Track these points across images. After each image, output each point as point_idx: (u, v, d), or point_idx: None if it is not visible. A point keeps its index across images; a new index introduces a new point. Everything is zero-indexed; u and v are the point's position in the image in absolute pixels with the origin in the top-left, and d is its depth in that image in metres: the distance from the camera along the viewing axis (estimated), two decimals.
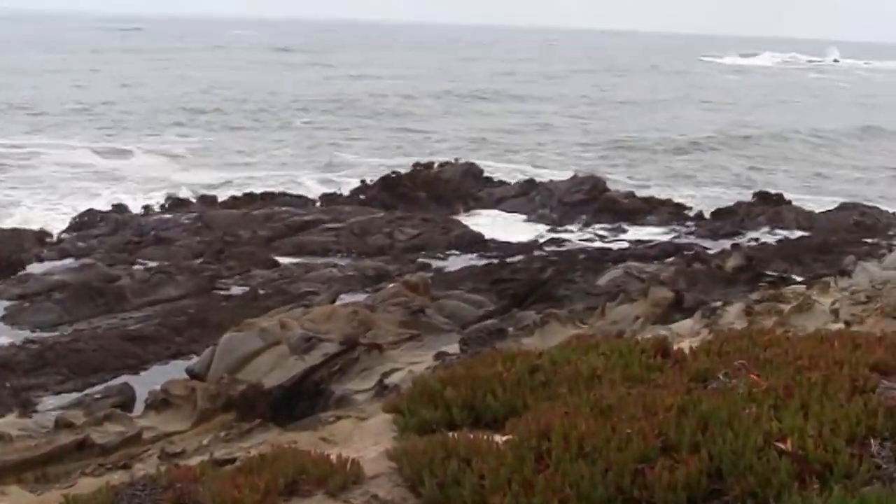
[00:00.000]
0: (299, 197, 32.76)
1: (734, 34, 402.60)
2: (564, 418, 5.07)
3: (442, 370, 8.60)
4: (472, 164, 36.74)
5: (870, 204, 32.89)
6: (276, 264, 24.43)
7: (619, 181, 36.93)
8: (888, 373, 5.72)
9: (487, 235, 28.52)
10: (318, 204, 31.77)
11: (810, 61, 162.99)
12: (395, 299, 19.24)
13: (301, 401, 14.49)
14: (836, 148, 51.80)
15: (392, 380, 14.09)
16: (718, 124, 58.61)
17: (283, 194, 32.81)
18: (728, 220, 30.93)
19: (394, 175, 34.12)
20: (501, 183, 35.95)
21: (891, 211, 32.01)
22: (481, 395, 6.05)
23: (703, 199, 35.52)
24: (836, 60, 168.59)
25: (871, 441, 4.65)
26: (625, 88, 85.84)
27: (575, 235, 29.63)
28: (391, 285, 20.67)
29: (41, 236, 26.81)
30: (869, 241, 27.72)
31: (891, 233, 28.96)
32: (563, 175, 35.91)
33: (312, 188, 35.57)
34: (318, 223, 28.22)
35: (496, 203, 33.40)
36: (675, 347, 7.14)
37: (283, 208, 29.86)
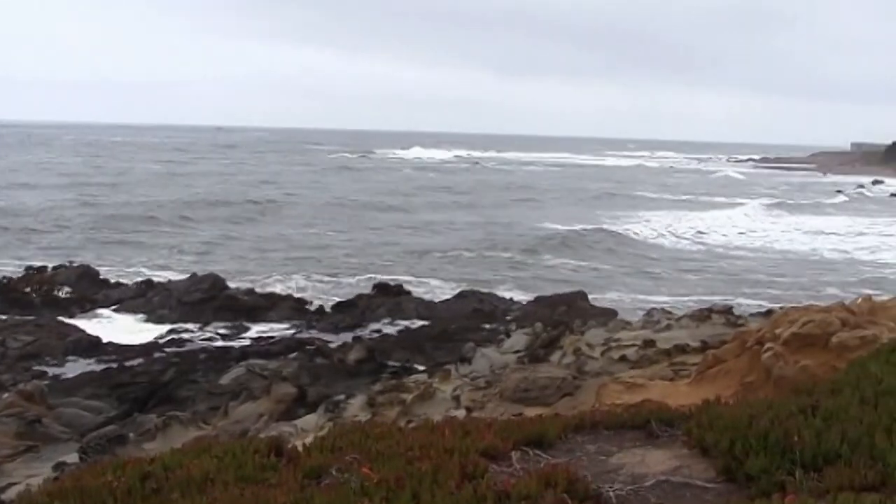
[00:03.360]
0: None
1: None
2: None
3: (51, 483, 8.08)
4: (88, 267, 35.78)
5: (486, 290, 34.55)
6: None
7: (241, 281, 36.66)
8: (497, 457, 5.90)
9: (105, 339, 27.56)
10: None
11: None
12: (10, 410, 18.23)
13: None
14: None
15: (9, 495, 13.20)
16: None
17: None
18: (349, 312, 31.42)
19: (5, 280, 32.61)
20: (119, 284, 34.85)
21: (507, 296, 33.83)
22: None
23: (321, 291, 35.95)
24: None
25: None
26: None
27: (196, 335, 29.12)
28: (5, 395, 19.74)
29: None
30: (487, 326, 29.08)
31: (508, 318, 30.46)
32: (182, 275, 35.38)
33: None
34: None
35: (114, 305, 32.35)
36: (291, 445, 7.06)
37: None
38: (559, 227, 57.99)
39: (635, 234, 56.34)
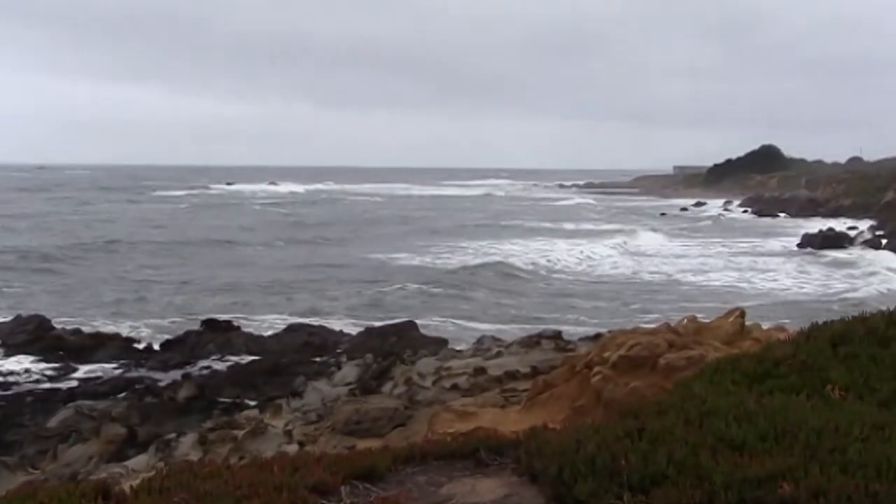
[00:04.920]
0: None
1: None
2: None
3: None
4: None
5: (317, 323, 34.28)
6: None
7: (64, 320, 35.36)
8: (327, 492, 5.75)
9: None
10: None
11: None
12: None
13: None
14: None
15: None
16: None
17: None
18: (178, 350, 30.70)
19: None
20: None
21: (337, 328, 33.62)
22: None
23: (150, 329, 35.06)
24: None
25: None
26: None
27: (22, 377, 28.13)
28: None
29: None
30: (318, 359, 28.88)
31: (339, 350, 30.30)
32: (5, 318, 34.08)
33: None
34: None
35: None
36: (119, 487, 6.76)
37: None
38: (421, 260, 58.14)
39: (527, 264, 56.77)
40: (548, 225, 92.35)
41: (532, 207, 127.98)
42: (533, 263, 57.43)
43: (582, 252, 63.92)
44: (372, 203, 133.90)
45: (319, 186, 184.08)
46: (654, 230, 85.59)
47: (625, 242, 71.09)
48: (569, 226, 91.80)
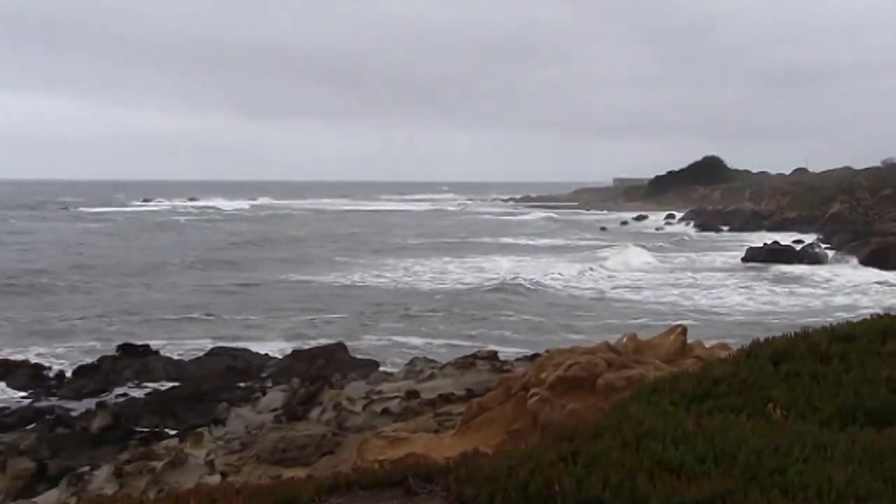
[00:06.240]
0: None
1: None
2: None
3: None
4: None
5: (241, 346, 34.00)
6: None
7: None
8: None
9: None
10: None
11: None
12: None
13: None
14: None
15: None
16: None
17: None
18: (92, 377, 30.18)
19: None
20: None
21: (262, 352, 33.36)
22: None
23: (61, 356, 34.48)
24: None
25: None
26: None
27: None
28: None
29: None
30: (242, 385, 28.64)
31: (264, 374, 30.10)
32: None
33: None
34: None
35: None
36: None
37: None
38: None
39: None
40: (487, 239, 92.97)
41: (474, 223, 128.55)
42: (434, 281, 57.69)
43: (514, 268, 64.31)
44: (317, 219, 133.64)
45: (245, 203, 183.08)
46: (599, 244, 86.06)
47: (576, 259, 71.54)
48: (506, 240, 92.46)
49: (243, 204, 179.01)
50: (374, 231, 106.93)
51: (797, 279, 58.45)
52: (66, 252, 76.18)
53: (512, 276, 59.14)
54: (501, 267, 65.89)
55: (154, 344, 34.03)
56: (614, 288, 55.30)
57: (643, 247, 79.46)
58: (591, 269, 63.85)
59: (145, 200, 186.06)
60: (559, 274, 61.19)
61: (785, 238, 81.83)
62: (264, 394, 25.14)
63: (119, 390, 29.09)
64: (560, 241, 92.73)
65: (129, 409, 25.90)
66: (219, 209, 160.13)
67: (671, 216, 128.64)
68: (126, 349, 32.40)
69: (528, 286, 54.69)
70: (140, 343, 33.48)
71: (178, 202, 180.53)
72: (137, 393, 28.62)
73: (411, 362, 26.67)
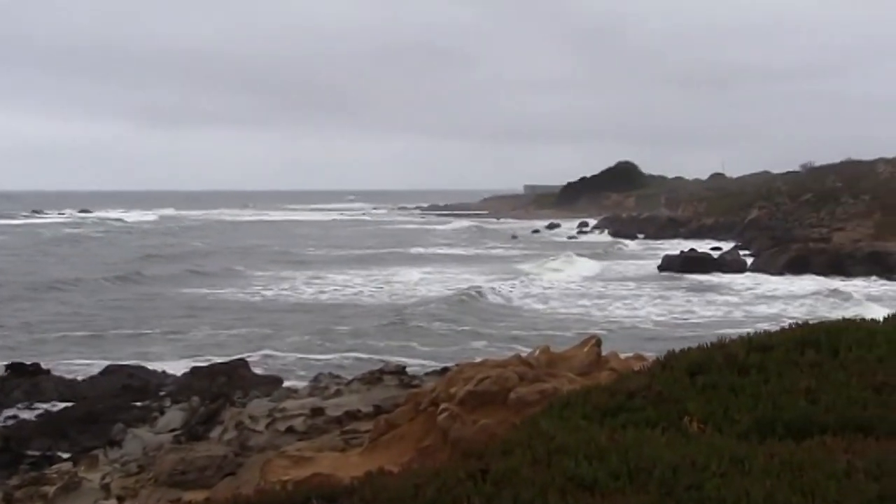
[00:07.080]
0: None
1: None
2: None
3: None
4: None
5: (137, 364, 33.47)
6: None
7: None
8: None
9: None
10: None
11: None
12: None
13: None
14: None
15: None
16: None
17: None
18: None
19: None
20: None
21: (160, 370, 32.86)
22: None
23: None
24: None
25: None
26: None
27: None
28: None
29: None
30: (139, 404, 28.14)
31: (162, 393, 29.63)
32: None
33: None
34: None
35: None
36: None
37: None
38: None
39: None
40: (398, 250, 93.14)
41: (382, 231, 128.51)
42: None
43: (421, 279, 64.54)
44: (219, 230, 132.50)
45: (143, 214, 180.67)
46: (509, 253, 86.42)
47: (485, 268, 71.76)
48: (416, 250, 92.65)
49: (149, 215, 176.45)
50: (280, 242, 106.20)
51: (715, 287, 58.91)
52: None
53: (424, 287, 59.42)
54: (411, 279, 65.83)
55: (45, 363, 33.34)
56: (522, 297, 55.25)
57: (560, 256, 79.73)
58: (499, 279, 63.79)
59: (34, 212, 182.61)
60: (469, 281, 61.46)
61: (702, 245, 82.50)
62: (162, 413, 24.78)
63: (8, 412, 28.38)
64: (471, 251, 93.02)
65: (18, 432, 25.37)
66: (117, 222, 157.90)
67: (584, 224, 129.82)
68: (15, 368, 31.67)
69: (437, 296, 54.82)
70: (30, 362, 32.80)
71: (71, 213, 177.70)
72: (28, 414, 27.97)
73: (316, 378, 26.49)
